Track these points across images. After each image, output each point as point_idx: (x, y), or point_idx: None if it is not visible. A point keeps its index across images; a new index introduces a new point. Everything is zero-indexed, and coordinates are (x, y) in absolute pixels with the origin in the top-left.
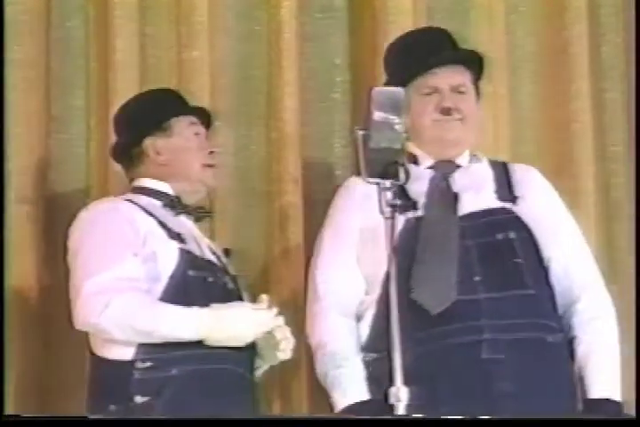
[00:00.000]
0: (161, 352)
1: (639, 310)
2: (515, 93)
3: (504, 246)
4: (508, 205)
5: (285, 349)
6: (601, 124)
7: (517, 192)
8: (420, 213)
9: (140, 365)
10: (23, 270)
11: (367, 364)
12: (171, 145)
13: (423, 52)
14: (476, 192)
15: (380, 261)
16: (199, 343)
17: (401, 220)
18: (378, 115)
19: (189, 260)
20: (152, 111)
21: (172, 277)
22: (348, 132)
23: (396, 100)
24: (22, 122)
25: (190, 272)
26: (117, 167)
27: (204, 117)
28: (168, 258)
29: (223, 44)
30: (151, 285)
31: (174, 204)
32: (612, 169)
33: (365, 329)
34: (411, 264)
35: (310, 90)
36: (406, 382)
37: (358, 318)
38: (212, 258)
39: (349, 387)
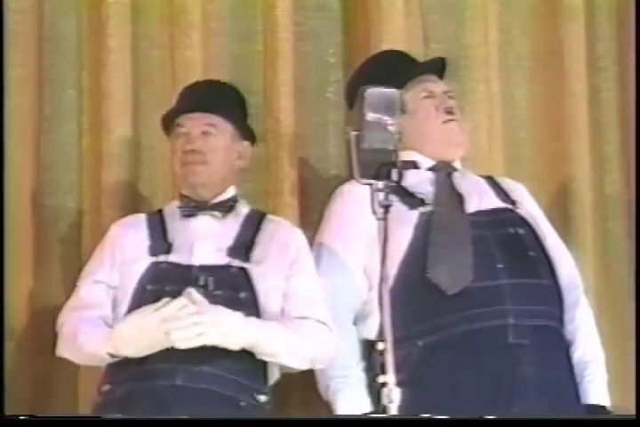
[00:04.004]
0: (116, 373)
1: (639, 310)
2: (509, 93)
3: (517, 240)
4: (510, 206)
5: (178, 340)
6: (596, 123)
7: (514, 198)
8: (429, 208)
9: (102, 388)
10: (20, 271)
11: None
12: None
13: (406, 62)
14: (478, 195)
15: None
16: (143, 360)
17: (415, 214)
18: (371, 115)
19: (153, 274)
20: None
21: (132, 296)
22: (342, 132)
23: (389, 100)
24: (15, 121)
25: (148, 286)
26: (110, 167)
27: (203, 110)
28: (134, 278)
29: (217, 44)
30: (114, 309)
31: (184, 205)
32: (608, 167)
33: (374, 323)
34: (427, 250)
35: (304, 89)
36: (427, 366)
37: (365, 315)
38: (207, 260)
39: (351, 399)
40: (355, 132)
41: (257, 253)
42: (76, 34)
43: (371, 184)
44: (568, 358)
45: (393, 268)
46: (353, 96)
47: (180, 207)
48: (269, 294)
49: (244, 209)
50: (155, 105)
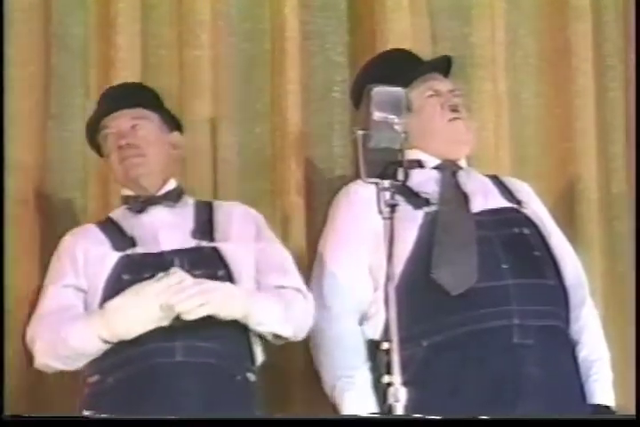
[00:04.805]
0: (103, 363)
1: (639, 309)
2: (516, 92)
3: (522, 240)
4: (515, 206)
5: (185, 311)
6: (603, 123)
7: (519, 198)
8: (434, 207)
9: (90, 379)
10: (22, 271)
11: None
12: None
13: (412, 60)
14: (483, 195)
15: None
16: (129, 343)
17: (420, 214)
18: (377, 115)
19: (126, 264)
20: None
21: (106, 286)
22: (348, 131)
23: (395, 99)
24: (21, 119)
25: (125, 276)
26: None
27: (127, 106)
28: (106, 271)
29: (225, 43)
30: (86, 307)
31: (131, 203)
32: (614, 167)
33: (379, 323)
34: (431, 250)
35: (311, 88)
36: (432, 366)
37: (370, 315)
38: (176, 245)
39: (357, 399)
40: (361, 132)
41: (220, 231)
42: (83, 32)
43: (376, 183)
44: (573, 358)
45: (398, 267)
46: (359, 95)
47: (128, 207)
48: (242, 268)
49: (189, 199)
50: None
